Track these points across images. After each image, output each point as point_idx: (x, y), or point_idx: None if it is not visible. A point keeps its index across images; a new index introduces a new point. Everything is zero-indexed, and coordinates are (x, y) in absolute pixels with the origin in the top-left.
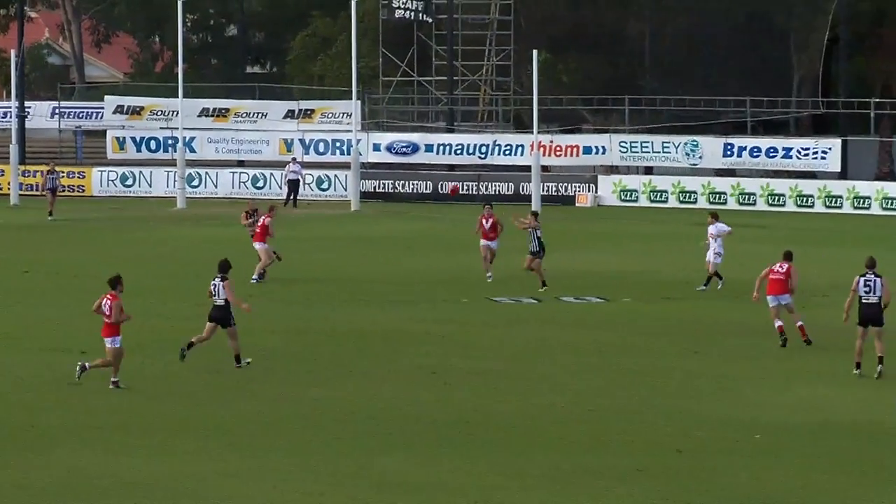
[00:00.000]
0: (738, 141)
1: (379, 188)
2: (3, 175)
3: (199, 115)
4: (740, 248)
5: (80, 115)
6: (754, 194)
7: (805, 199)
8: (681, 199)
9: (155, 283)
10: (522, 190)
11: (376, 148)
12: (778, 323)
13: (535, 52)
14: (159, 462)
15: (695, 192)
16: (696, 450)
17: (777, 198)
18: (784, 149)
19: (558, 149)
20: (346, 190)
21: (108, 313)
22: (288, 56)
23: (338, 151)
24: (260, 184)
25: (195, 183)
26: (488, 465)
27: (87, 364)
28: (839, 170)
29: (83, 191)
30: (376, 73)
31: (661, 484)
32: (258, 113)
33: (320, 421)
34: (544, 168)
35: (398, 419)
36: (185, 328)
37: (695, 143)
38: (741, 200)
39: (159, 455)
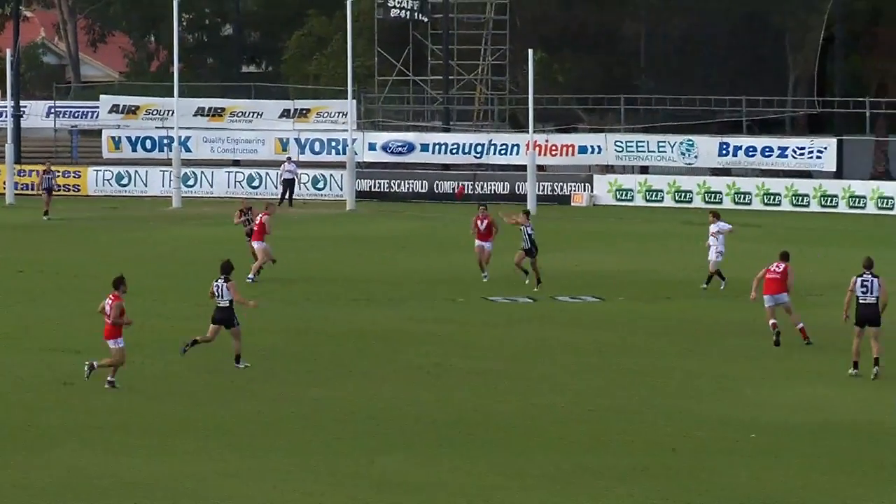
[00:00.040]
0: (733, 140)
1: (374, 188)
2: None
3: (194, 115)
4: (737, 248)
5: (76, 115)
6: (750, 194)
7: (800, 198)
8: (676, 198)
9: (155, 283)
10: (518, 189)
11: (372, 147)
12: (772, 321)
13: (530, 51)
14: (159, 462)
15: (690, 192)
16: (696, 449)
17: (773, 197)
18: (780, 148)
19: (554, 148)
20: (341, 189)
21: (108, 314)
22: (283, 55)
23: (333, 151)
24: (255, 183)
25: (191, 182)
26: (488, 465)
27: (95, 363)
28: (835, 169)
29: (79, 190)
30: (372, 72)
31: (661, 484)
32: (254, 112)
33: (320, 421)
34: (540, 167)
35: (398, 419)
36: (186, 328)
37: (690, 142)
38: (737, 200)
39: (159, 455)
